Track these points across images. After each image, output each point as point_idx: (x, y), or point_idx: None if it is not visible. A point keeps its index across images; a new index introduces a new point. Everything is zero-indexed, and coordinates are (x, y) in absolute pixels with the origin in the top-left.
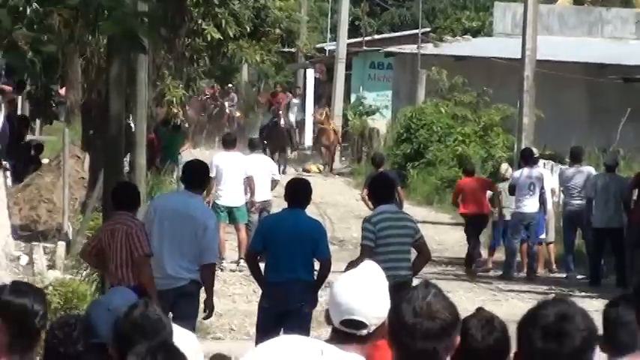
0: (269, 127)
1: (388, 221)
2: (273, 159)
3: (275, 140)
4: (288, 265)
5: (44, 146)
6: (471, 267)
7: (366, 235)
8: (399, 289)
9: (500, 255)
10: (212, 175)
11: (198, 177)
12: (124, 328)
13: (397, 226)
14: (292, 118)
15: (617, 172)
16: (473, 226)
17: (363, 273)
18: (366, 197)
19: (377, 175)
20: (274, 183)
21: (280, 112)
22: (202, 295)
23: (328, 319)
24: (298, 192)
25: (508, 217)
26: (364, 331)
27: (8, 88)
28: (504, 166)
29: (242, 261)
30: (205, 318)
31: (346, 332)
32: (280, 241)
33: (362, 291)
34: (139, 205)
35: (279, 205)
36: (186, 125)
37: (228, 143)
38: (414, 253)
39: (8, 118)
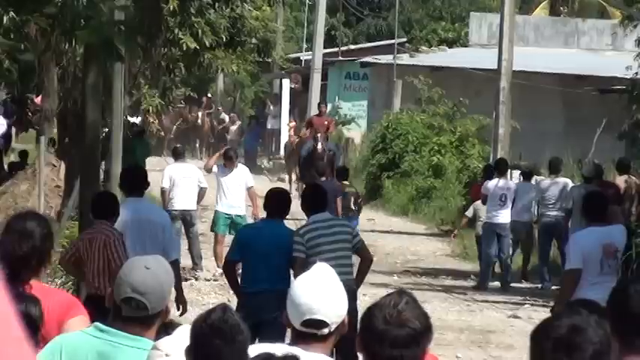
0: (308, 155)
1: (317, 230)
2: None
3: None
4: (265, 276)
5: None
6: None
7: (295, 247)
8: None
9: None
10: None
11: (137, 182)
12: (203, 331)
13: (328, 234)
14: (269, 125)
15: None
16: None
17: (318, 273)
18: None
19: (308, 186)
20: (202, 192)
21: (319, 134)
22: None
23: (287, 322)
24: (278, 203)
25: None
26: (325, 330)
27: None
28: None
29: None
30: (181, 314)
31: (308, 333)
32: (258, 252)
33: (320, 290)
34: (117, 215)
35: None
36: (162, 134)
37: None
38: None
39: None
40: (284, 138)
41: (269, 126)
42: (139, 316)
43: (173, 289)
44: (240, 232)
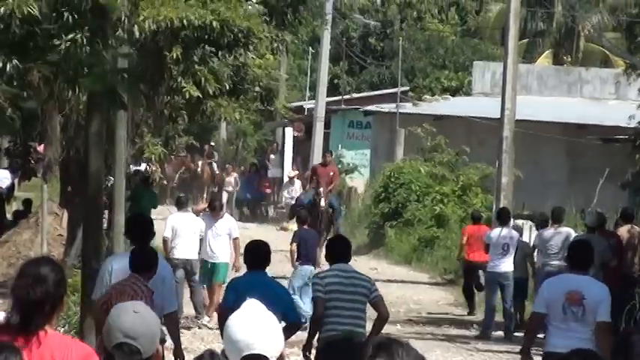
0: (306, 206)
1: (337, 278)
2: None
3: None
4: None
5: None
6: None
7: (316, 288)
8: (343, 344)
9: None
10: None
11: (142, 231)
12: None
13: (346, 284)
14: (270, 174)
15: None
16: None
17: (252, 310)
18: (294, 251)
19: (335, 237)
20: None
21: (322, 189)
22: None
23: None
24: (258, 255)
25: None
26: None
27: None
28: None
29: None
30: None
31: None
32: None
33: (257, 325)
34: (154, 271)
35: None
36: (165, 182)
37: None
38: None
39: None
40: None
41: (270, 175)
42: None
43: (170, 341)
44: (234, 281)
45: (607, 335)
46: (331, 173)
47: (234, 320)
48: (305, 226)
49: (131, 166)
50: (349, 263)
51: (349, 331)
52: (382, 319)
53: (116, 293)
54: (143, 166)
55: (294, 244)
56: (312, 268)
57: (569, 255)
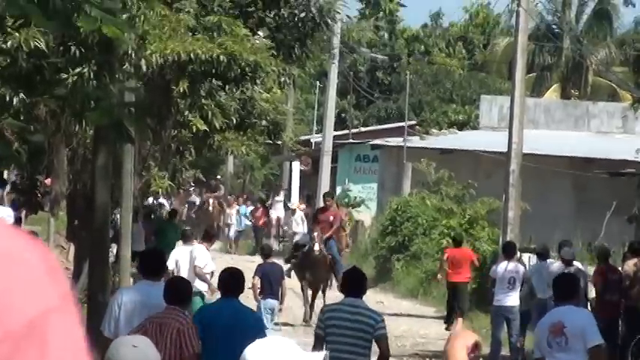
0: (303, 253)
1: (339, 312)
2: (304, 294)
3: (310, 274)
4: (228, 355)
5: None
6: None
7: (317, 324)
8: None
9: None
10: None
11: (155, 265)
12: None
13: (348, 319)
14: (274, 215)
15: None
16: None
17: (275, 342)
18: (256, 285)
19: (351, 268)
20: (197, 270)
21: (316, 233)
22: None
23: None
24: (230, 281)
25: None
26: None
27: None
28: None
29: None
30: None
31: None
32: (219, 331)
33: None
34: (190, 302)
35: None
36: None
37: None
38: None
39: None
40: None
41: (273, 210)
42: None
43: None
44: (200, 311)
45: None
46: (331, 217)
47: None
48: (269, 260)
49: (151, 199)
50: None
51: None
52: (383, 357)
53: (154, 327)
54: (164, 201)
55: (257, 278)
56: (276, 302)
57: (553, 288)
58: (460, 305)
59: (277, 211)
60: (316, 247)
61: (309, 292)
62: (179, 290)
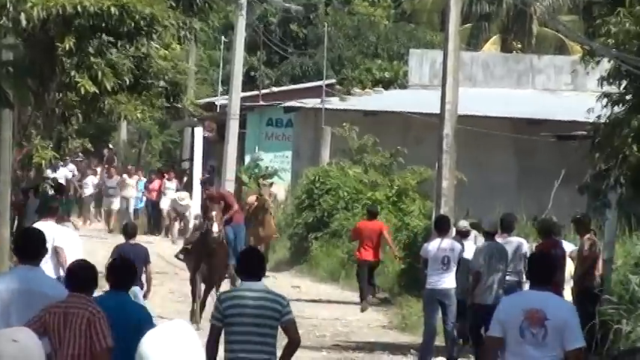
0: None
1: (239, 299)
2: (193, 288)
3: (207, 262)
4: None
5: None
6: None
7: (213, 314)
8: None
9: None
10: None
11: (32, 247)
12: None
13: (250, 305)
14: (163, 204)
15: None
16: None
17: (172, 330)
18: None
19: (247, 249)
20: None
21: (214, 212)
22: None
23: None
24: (119, 273)
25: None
26: None
27: None
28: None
29: None
30: None
31: None
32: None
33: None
34: (96, 288)
35: None
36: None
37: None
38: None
39: None
40: (196, 202)
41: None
42: None
43: None
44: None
45: None
46: (222, 202)
47: (149, 341)
48: (132, 240)
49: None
50: (262, 280)
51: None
52: (292, 345)
53: (55, 317)
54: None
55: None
56: (137, 288)
57: (528, 269)
58: (373, 282)
59: (167, 200)
60: (215, 228)
61: (202, 287)
62: (84, 275)
